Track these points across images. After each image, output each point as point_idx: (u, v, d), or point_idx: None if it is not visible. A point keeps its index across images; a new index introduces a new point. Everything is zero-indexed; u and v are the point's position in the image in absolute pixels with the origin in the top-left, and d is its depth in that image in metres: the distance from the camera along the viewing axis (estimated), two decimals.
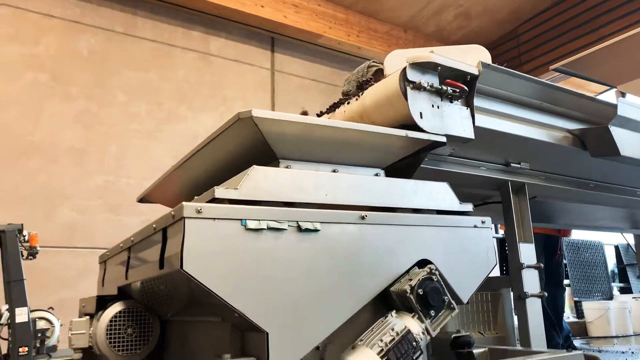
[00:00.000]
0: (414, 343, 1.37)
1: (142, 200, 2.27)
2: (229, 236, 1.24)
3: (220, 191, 1.29)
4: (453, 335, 1.60)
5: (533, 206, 2.28)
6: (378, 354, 1.32)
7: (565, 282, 4.59)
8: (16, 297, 4.13)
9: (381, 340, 1.34)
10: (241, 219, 1.27)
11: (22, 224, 4.51)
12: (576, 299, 5.81)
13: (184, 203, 1.21)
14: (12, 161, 6.28)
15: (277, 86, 6.95)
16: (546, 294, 2.07)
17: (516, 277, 2.06)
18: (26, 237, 4.53)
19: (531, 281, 2.06)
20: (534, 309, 2.02)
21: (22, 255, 4.50)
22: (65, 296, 5.45)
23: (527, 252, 2.09)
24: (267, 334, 1.24)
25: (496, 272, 3.25)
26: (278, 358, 1.24)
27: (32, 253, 4.59)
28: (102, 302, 1.82)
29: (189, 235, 1.19)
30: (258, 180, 1.35)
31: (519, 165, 2.18)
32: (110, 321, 1.75)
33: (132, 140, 6.96)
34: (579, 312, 6.24)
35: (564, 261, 4.22)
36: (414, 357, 1.37)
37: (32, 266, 4.58)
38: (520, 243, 2.09)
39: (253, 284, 1.25)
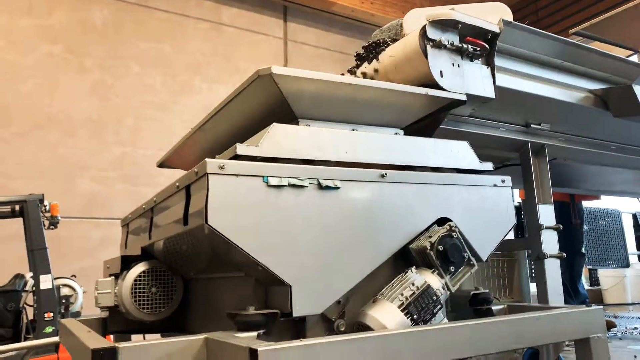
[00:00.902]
0: (434, 297, 1.39)
1: (161, 165, 2.29)
2: (251, 192, 1.26)
3: (241, 148, 1.31)
4: (472, 292, 1.62)
5: (551, 169, 2.26)
6: (399, 307, 1.34)
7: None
8: (40, 264, 4.26)
9: (402, 295, 1.36)
10: (263, 176, 1.29)
11: (42, 194, 4.60)
12: (590, 267, 5.79)
13: (207, 160, 1.23)
14: (30, 134, 6.37)
15: (290, 56, 6.89)
16: (565, 254, 2.07)
17: (535, 238, 2.06)
18: (47, 207, 4.62)
19: (550, 242, 2.06)
20: (553, 270, 2.03)
21: (44, 225, 4.60)
22: (86, 265, 5.60)
23: (546, 213, 2.08)
24: (290, 286, 1.26)
25: (510, 237, 3.26)
26: (301, 310, 1.27)
27: (54, 223, 4.69)
28: (127, 263, 1.86)
29: (212, 191, 1.21)
30: (278, 138, 1.36)
31: (539, 127, 2.16)
32: (135, 280, 1.80)
33: (148, 111, 7.00)
34: (592, 280, 6.24)
35: (585, 227, 4.19)
36: (434, 311, 1.39)
37: (54, 236, 4.70)
38: (539, 204, 2.08)
39: (276, 239, 1.27)
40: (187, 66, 7.27)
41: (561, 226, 2.10)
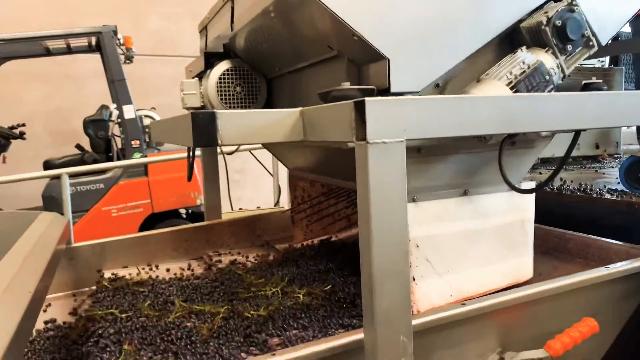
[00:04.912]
0: (547, 77, 1.25)
1: None
2: None
3: None
4: (584, 82, 1.46)
5: None
6: (507, 85, 1.22)
7: None
8: (121, 95, 4.41)
9: (510, 73, 1.24)
10: None
11: (115, 26, 4.59)
12: None
13: None
14: None
15: None
16: None
17: None
18: (121, 40, 4.63)
19: None
20: None
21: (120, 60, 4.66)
22: (161, 102, 5.75)
23: None
24: (388, 60, 1.17)
25: None
26: (399, 86, 1.18)
27: (129, 57, 4.75)
28: (209, 62, 1.82)
29: None
30: None
31: None
32: (219, 78, 1.78)
33: None
34: None
35: None
36: (546, 92, 1.27)
37: (129, 74, 4.77)
38: None
39: (372, 5, 1.14)
40: None
41: None
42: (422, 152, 1.34)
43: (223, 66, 1.78)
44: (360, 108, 0.92)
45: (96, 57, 4.76)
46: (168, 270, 1.96)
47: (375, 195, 0.93)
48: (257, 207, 3.67)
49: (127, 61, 4.78)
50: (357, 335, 1.04)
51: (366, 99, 0.90)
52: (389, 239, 0.93)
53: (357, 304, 1.46)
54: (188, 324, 1.39)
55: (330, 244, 2.10)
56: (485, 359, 1.20)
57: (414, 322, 1.00)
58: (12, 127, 4.72)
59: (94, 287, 1.84)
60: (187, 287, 1.72)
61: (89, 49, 4.73)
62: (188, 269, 1.96)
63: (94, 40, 4.56)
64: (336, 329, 1.32)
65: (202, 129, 1.06)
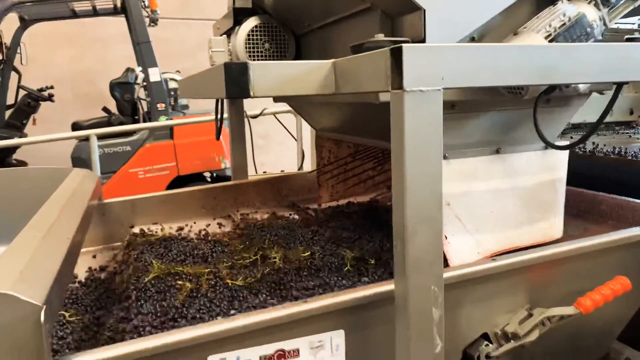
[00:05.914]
0: (588, 29, 1.21)
1: None
2: None
3: None
4: (626, 37, 1.40)
5: None
6: (545, 38, 1.19)
7: None
8: (147, 57, 4.41)
9: (549, 25, 1.20)
10: None
11: None
12: None
13: None
14: None
15: None
16: None
17: None
18: (146, 2, 4.61)
19: None
20: None
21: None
22: (186, 66, 5.74)
23: None
24: (424, 11, 1.14)
25: None
26: (434, 39, 1.15)
27: (153, 19, 4.73)
28: (238, 19, 1.81)
29: None
30: None
31: None
32: (248, 35, 1.76)
33: None
34: None
35: None
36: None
37: (154, 37, 4.77)
38: None
39: None
40: None
41: None
42: (455, 108, 1.32)
43: (252, 22, 1.76)
44: (397, 55, 0.90)
45: (121, 20, 4.76)
46: (195, 223, 2.00)
47: (411, 145, 0.92)
48: (281, 171, 3.69)
49: (152, 24, 4.76)
50: (388, 286, 1.05)
51: (403, 45, 0.88)
52: (423, 189, 0.93)
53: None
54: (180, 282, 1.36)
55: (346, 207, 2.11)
56: (514, 314, 1.20)
57: (445, 275, 1.00)
58: (41, 90, 4.80)
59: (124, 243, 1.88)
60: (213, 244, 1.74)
61: (114, 11, 4.72)
62: (217, 227, 2.00)
63: (119, 2, 4.55)
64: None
65: (235, 79, 1.06)
